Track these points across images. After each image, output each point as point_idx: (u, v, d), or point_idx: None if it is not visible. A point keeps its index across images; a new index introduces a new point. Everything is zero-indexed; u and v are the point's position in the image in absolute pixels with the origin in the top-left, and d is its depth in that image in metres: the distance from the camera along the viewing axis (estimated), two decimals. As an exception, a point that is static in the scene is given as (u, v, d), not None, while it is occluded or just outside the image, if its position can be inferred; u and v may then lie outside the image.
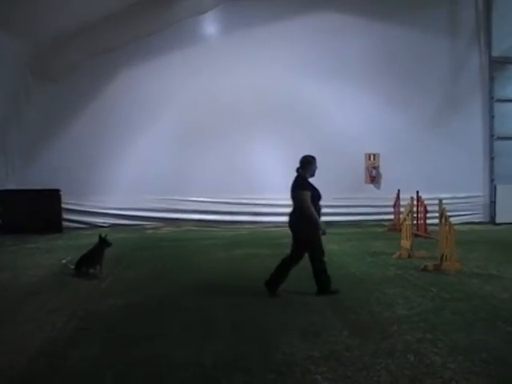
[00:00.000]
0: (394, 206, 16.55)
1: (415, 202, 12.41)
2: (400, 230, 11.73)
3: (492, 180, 19.27)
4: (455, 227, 9.59)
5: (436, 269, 9.28)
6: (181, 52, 18.38)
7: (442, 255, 9.38)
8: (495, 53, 19.21)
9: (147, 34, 17.96)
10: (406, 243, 11.02)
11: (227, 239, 14.97)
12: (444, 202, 9.89)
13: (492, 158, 19.30)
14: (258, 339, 5.62)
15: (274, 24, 18.28)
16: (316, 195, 7.44)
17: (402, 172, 17.57)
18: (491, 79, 19.35)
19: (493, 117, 19.27)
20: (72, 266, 9.20)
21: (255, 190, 18.27)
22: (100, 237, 9.16)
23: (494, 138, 19.24)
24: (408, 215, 11.19)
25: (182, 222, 18.26)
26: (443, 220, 9.56)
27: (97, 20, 16.28)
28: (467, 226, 16.91)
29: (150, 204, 18.30)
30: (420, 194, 13.39)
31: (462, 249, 10.34)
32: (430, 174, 17.87)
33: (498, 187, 18.91)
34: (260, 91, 18.28)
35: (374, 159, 18.89)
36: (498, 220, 18.60)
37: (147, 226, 17.99)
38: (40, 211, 16.24)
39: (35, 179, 16.64)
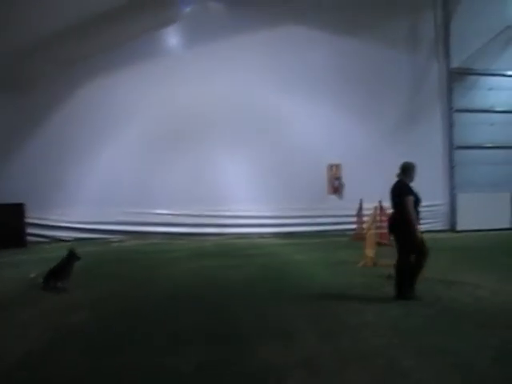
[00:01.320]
0: (357, 216, 16.79)
1: (378, 211, 12.64)
2: (364, 239, 11.92)
3: (452, 188, 19.69)
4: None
5: (401, 276, 9.44)
6: (144, 64, 18.28)
7: (406, 263, 9.56)
8: (454, 64, 19.67)
9: (110, 47, 17.84)
10: (370, 252, 11.20)
11: (194, 251, 14.96)
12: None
13: (452, 167, 19.72)
14: (234, 346, 5.70)
15: (238, 37, 18.38)
16: (417, 200, 7.67)
17: (364, 182, 17.53)
18: (450, 90, 19.81)
19: (452, 127, 19.72)
20: (41, 280, 9.12)
21: (220, 202, 18.30)
22: (69, 250, 9.10)
23: (454, 147, 19.67)
24: (372, 224, 11.39)
25: (147, 235, 18.13)
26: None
27: (59, 32, 16.19)
28: (429, 234, 17.13)
29: (114, 217, 18.14)
30: (383, 203, 13.62)
31: (425, 256, 10.53)
32: (391, 183, 18.03)
33: (459, 195, 19.37)
34: (224, 103, 18.33)
35: (336, 170, 19.09)
36: (459, 228, 19.04)
37: (112, 240, 17.81)
38: (3, 226, 16.00)
39: (-2, 193, 16.42)
